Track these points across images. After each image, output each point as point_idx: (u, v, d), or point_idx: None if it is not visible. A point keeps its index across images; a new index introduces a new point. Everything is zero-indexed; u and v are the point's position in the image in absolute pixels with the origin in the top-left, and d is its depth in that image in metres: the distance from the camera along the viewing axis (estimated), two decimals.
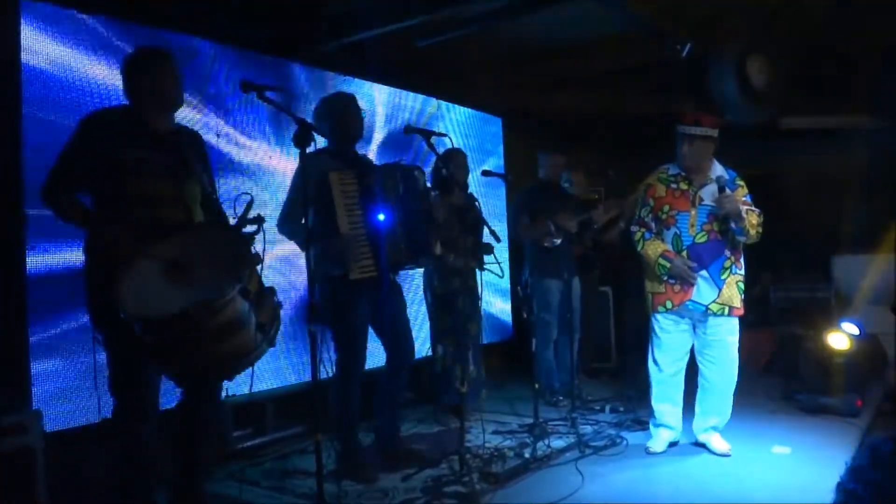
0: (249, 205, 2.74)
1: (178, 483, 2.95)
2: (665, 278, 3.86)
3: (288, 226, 3.52)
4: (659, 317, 3.96)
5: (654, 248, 3.88)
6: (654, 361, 4.01)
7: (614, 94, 6.39)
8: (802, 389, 4.86)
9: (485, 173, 4.42)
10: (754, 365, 5.91)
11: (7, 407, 2.82)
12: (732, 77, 5.24)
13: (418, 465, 3.67)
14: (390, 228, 3.51)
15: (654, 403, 4.04)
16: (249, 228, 2.73)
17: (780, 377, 5.40)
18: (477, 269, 4.46)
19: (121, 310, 2.38)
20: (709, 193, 3.83)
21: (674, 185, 3.91)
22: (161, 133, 2.81)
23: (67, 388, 3.33)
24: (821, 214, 6.62)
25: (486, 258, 4.45)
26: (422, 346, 4.92)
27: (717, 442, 3.94)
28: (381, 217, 3.47)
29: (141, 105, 2.80)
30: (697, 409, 4.02)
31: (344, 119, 3.63)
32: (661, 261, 3.84)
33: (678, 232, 3.85)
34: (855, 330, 5.09)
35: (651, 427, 4.08)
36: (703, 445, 3.99)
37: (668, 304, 3.89)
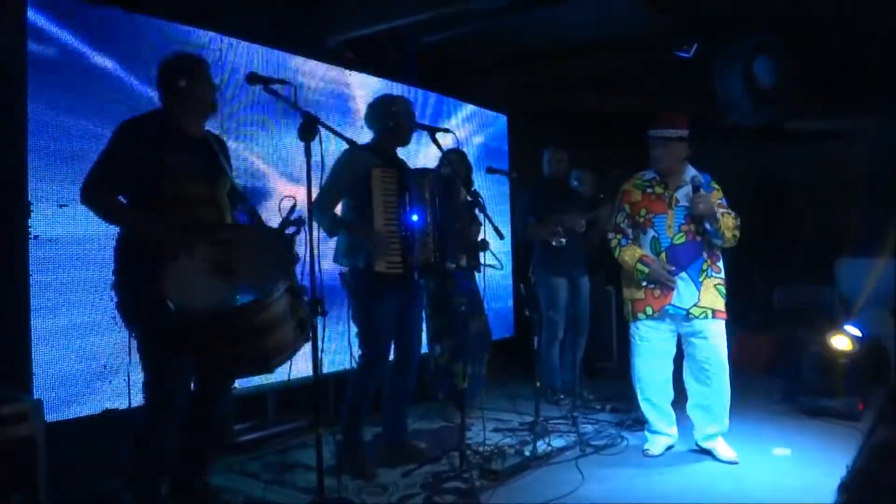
0: (293, 207, 2.83)
1: (180, 473, 2.96)
2: (644, 283, 3.83)
3: (319, 211, 3.50)
4: (640, 324, 3.91)
5: (630, 254, 3.85)
6: (637, 371, 3.97)
7: (620, 93, 6.38)
8: (804, 391, 4.85)
9: (489, 170, 4.42)
10: (756, 366, 5.91)
11: (8, 396, 2.83)
12: (739, 78, 5.23)
13: (420, 461, 3.68)
14: (422, 230, 3.58)
15: (644, 413, 4.02)
16: (290, 230, 2.83)
17: (781, 379, 5.39)
18: (475, 271, 4.48)
19: (169, 301, 2.44)
20: (684, 195, 3.81)
21: (650, 190, 3.90)
22: (194, 137, 2.89)
23: (70, 378, 3.33)
24: (825, 217, 6.61)
25: (484, 255, 4.45)
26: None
27: (723, 449, 3.85)
28: (415, 218, 3.54)
29: (176, 109, 2.87)
30: (694, 418, 3.94)
31: (400, 123, 3.70)
32: (640, 266, 3.81)
33: (656, 234, 3.83)
34: (857, 333, 5.08)
35: (647, 433, 4.05)
36: (707, 452, 3.91)
37: (649, 311, 3.85)
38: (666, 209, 3.83)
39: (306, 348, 2.75)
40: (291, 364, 2.81)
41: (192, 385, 2.94)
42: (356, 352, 3.60)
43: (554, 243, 4.98)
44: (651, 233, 3.85)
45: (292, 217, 2.84)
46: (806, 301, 6.49)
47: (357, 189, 3.52)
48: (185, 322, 2.49)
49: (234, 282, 2.60)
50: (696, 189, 3.73)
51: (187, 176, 2.79)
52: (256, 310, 2.51)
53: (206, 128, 3.01)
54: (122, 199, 2.78)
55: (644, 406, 4.01)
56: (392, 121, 3.69)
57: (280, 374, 4.22)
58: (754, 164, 6.75)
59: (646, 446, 3.98)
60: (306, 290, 2.78)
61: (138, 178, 2.73)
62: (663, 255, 3.80)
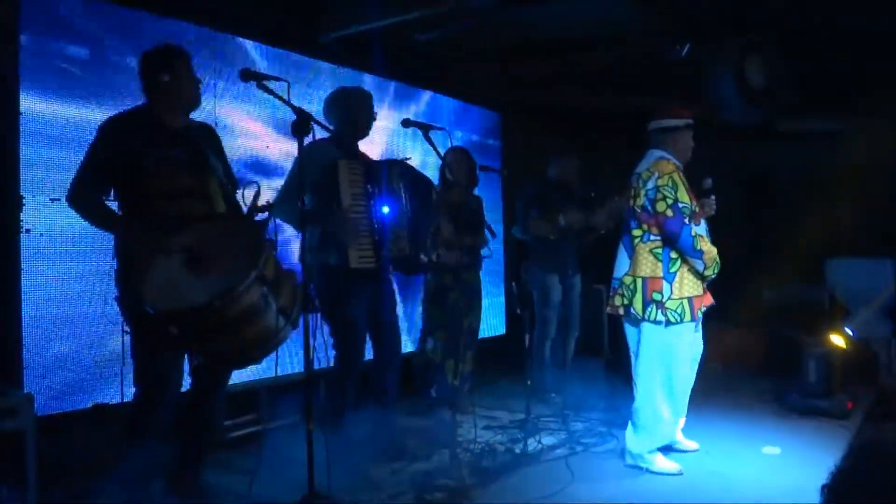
0: (258, 193, 2.80)
1: (173, 469, 2.96)
2: (710, 279, 3.54)
3: (286, 207, 3.43)
4: (691, 326, 3.52)
5: (710, 247, 3.48)
6: (672, 380, 3.55)
7: (612, 92, 6.39)
8: (793, 390, 4.88)
9: (480, 168, 4.44)
10: (746, 365, 5.93)
11: None
12: (731, 77, 5.24)
13: (409, 458, 3.68)
14: (394, 223, 3.54)
15: (659, 431, 3.60)
16: (261, 216, 2.79)
17: (771, 378, 5.41)
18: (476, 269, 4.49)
19: (146, 305, 2.43)
20: None
21: (685, 179, 3.62)
22: (176, 129, 2.86)
23: (61, 372, 3.32)
24: (815, 216, 6.63)
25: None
26: (415, 337, 4.92)
27: (686, 440, 3.85)
28: (386, 210, 3.50)
29: (157, 103, 2.84)
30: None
31: (356, 114, 3.67)
32: (719, 260, 3.51)
33: (707, 228, 3.63)
34: (848, 332, 5.12)
35: (650, 455, 3.60)
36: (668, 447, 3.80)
37: (703, 308, 3.57)
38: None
39: (296, 342, 2.72)
40: (277, 359, 2.80)
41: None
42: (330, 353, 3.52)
43: (552, 237, 4.97)
44: (704, 225, 3.58)
45: (259, 203, 2.80)
46: (796, 300, 6.51)
47: (321, 183, 3.41)
48: (164, 322, 2.45)
49: (211, 275, 2.52)
50: (711, 190, 3.64)
51: (171, 170, 2.76)
52: (231, 300, 2.42)
53: (197, 119, 2.99)
54: (113, 194, 2.78)
55: (665, 421, 3.58)
56: (348, 112, 3.66)
57: (271, 370, 4.26)
58: (745, 163, 6.78)
59: (668, 469, 3.58)
60: (295, 275, 2.73)
61: (123, 176, 2.72)
62: None
